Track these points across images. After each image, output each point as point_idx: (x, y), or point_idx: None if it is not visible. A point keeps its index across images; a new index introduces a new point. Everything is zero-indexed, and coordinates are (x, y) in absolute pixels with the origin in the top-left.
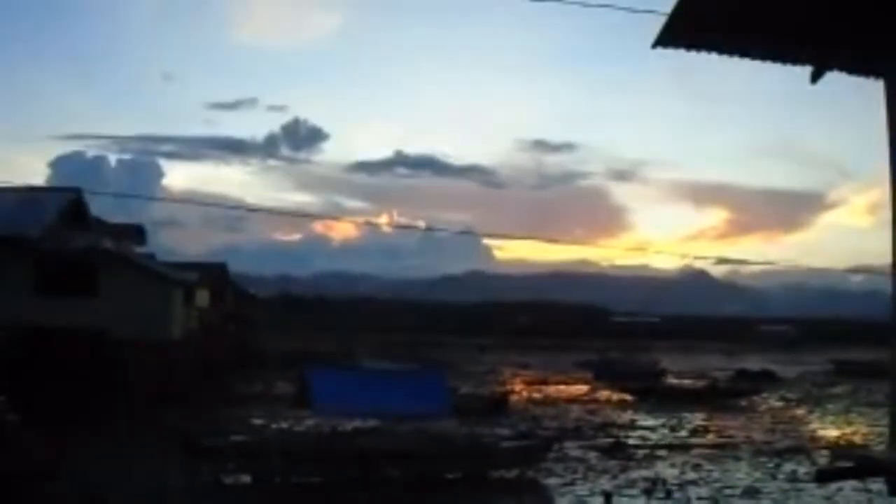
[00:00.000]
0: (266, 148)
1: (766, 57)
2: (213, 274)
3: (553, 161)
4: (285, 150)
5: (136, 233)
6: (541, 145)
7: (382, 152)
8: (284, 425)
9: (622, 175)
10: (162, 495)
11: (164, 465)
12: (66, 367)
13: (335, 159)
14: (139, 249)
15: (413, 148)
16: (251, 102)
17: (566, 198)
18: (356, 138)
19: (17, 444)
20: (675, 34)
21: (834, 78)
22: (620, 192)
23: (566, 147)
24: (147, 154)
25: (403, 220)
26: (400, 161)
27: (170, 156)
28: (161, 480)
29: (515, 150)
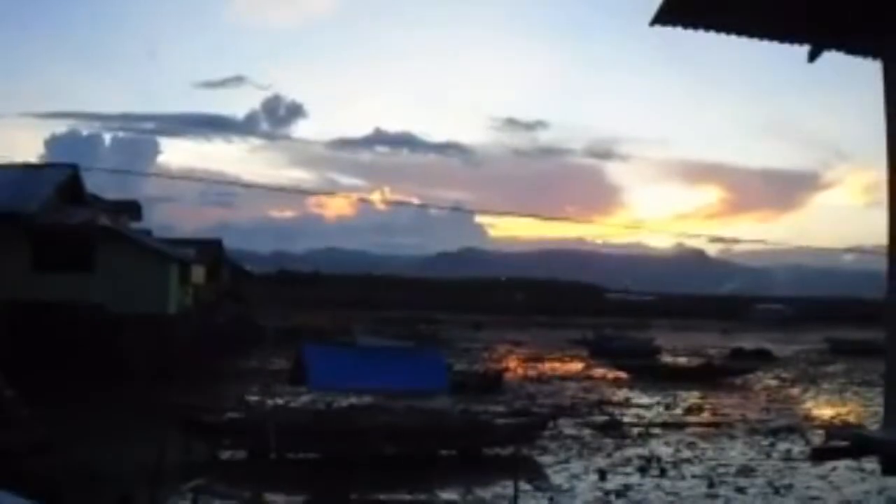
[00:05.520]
0: (249, 125)
1: (764, 36)
2: (209, 250)
3: (538, 139)
4: (272, 128)
5: (133, 209)
6: (529, 124)
7: (362, 129)
8: (280, 402)
9: (610, 153)
10: (157, 470)
11: (160, 440)
12: (63, 342)
13: (317, 136)
14: (135, 225)
15: (391, 125)
16: (238, 80)
17: (554, 175)
18: (335, 115)
19: (13, 419)
20: (673, 12)
21: (831, 57)
22: (610, 171)
23: (552, 125)
24: (132, 131)
25: (394, 197)
26: (379, 138)
27: (154, 132)
28: (156, 456)
29: (497, 128)
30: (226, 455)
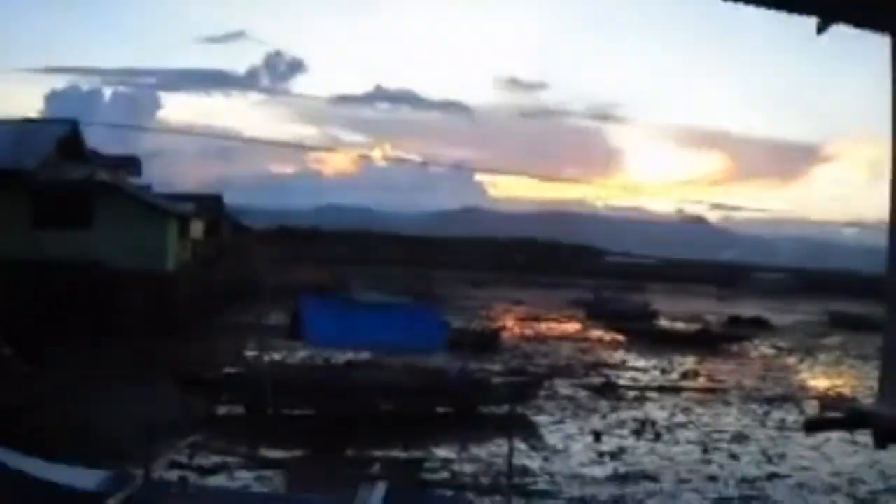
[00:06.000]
0: (250, 80)
1: (772, 6)
2: (208, 206)
3: (540, 99)
4: (273, 83)
5: (133, 164)
6: (531, 85)
7: (363, 86)
8: (277, 357)
9: (612, 116)
10: (155, 426)
11: (158, 396)
12: (61, 299)
13: (318, 92)
14: (135, 181)
15: (392, 82)
16: (239, 36)
17: (556, 136)
18: (336, 72)
19: (10, 376)
20: None
21: (839, 29)
22: (612, 133)
23: (554, 86)
24: (133, 86)
25: (396, 154)
26: (380, 95)
27: (155, 87)
28: (154, 411)
29: (498, 88)
30: (223, 411)
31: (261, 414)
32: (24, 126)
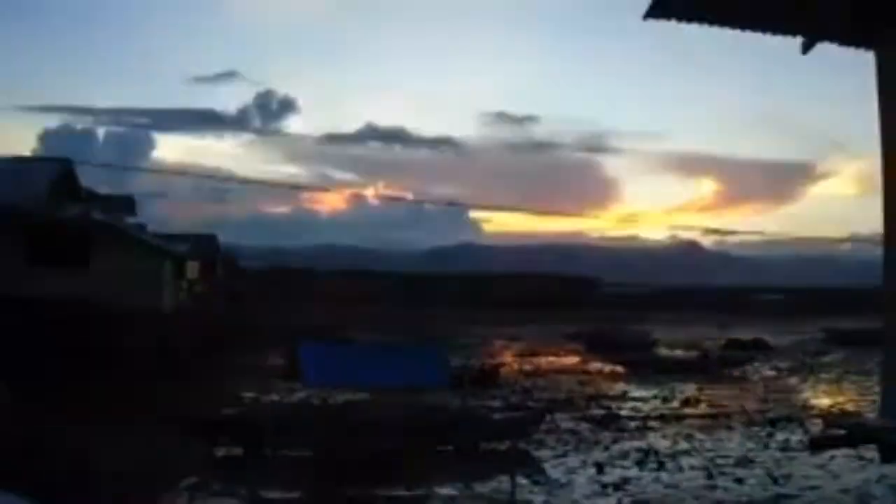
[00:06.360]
0: (242, 120)
1: (757, 28)
2: (204, 246)
3: (530, 133)
4: (264, 123)
5: (127, 204)
6: (520, 119)
7: (353, 124)
8: (276, 398)
9: (603, 147)
10: (153, 468)
11: (156, 437)
12: (57, 339)
13: (309, 131)
14: (130, 220)
15: (382, 120)
16: (230, 76)
17: (548, 169)
18: (327, 110)
19: (6, 418)
20: (666, 5)
21: (825, 47)
22: (603, 164)
23: (544, 119)
24: (125, 126)
25: (389, 192)
26: (371, 133)
27: (147, 127)
28: (153, 453)
29: (488, 123)
30: (222, 452)
31: (260, 455)
32: (18, 164)
